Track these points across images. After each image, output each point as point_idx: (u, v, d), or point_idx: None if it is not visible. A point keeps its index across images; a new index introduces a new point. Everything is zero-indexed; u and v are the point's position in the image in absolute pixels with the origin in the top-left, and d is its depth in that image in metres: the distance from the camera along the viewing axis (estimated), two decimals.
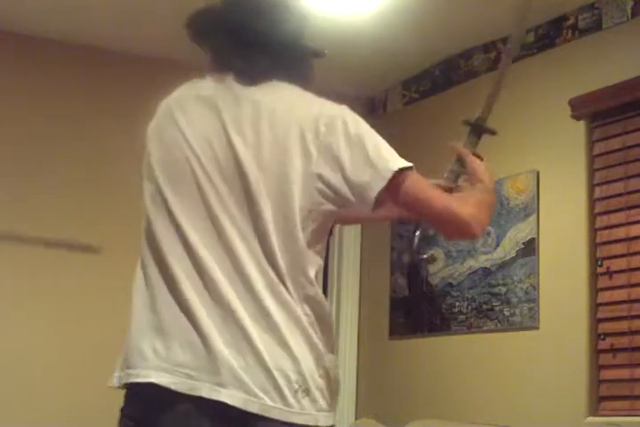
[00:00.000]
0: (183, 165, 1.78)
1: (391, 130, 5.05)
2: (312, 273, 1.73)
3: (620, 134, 3.73)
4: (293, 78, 1.91)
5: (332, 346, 1.78)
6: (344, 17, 4.15)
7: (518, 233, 4.04)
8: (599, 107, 3.78)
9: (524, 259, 4.00)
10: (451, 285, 4.38)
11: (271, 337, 1.66)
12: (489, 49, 4.39)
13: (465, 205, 1.84)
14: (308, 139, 1.75)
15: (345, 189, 1.74)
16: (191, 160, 1.77)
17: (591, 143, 3.83)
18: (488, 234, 4.20)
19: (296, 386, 1.68)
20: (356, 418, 4.74)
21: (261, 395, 1.64)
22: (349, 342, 4.92)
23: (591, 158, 3.82)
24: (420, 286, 4.56)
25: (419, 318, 4.55)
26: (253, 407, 1.63)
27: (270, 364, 1.65)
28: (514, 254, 4.05)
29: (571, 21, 3.98)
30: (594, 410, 3.62)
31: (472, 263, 4.27)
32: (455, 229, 1.83)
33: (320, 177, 1.73)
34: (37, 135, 4.38)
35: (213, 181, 1.75)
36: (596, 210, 3.77)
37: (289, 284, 1.69)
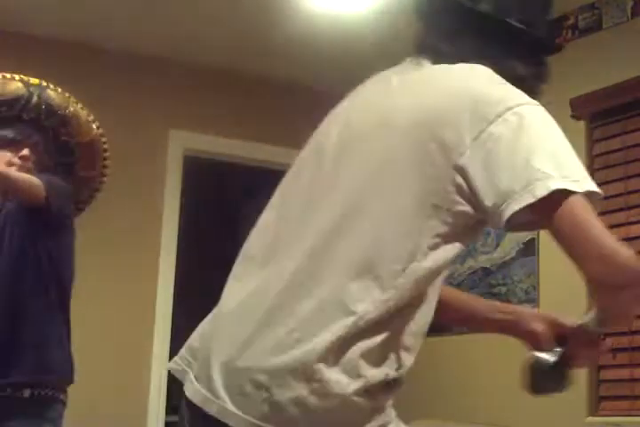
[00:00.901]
0: None
1: None
2: None
3: (619, 134, 3.73)
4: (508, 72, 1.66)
5: None
6: (344, 16, 4.15)
7: (518, 233, 4.04)
8: (599, 107, 3.78)
9: (523, 259, 4.00)
10: (451, 285, 4.37)
11: None
12: None
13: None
14: None
15: None
16: None
17: (591, 143, 3.83)
18: (488, 234, 4.20)
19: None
20: None
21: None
22: None
23: (591, 158, 3.82)
24: None
25: None
26: (212, 408, 1.44)
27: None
28: (514, 254, 4.05)
29: (571, 21, 3.98)
30: (594, 410, 3.62)
31: (472, 263, 4.27)
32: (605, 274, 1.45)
33: None
34: None
35: None
36: (596, 210, 3.76)
37: None
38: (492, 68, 1.60)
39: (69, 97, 3.07)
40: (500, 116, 1.50)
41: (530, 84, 1.74)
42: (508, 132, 1.48)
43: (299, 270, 1.45)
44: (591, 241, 1.44)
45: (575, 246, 1.44)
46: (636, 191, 3.64)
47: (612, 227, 3.68)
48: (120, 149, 4.54)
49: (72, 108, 3.04)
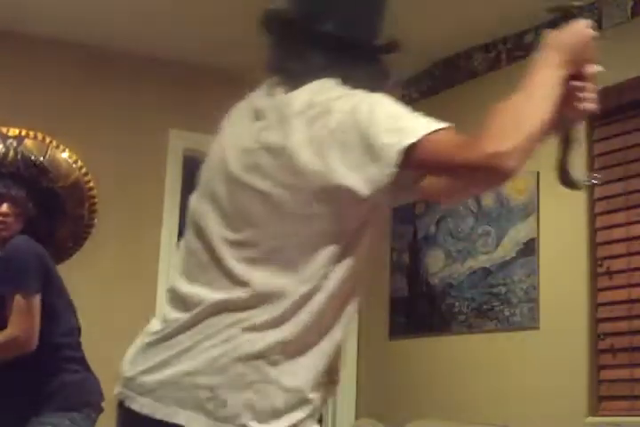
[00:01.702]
0: None
1: None
2: None
3: (620, 134, 3.73)
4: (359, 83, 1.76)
5: None
6: None
7: (518, 233, 4.04)
8: (599, 107, 3.77)
9: (523, 259, 4.00)
10: (451, 285, 4.38)
11: None
12: (489, 49, 4.39)
13: (487, 139, 1.56)
14: None
15: None
16: None
17: (591, 143, 3.83)
18: (488, 234, 4.20)
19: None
20: (356, 418, 4.74)
21: None
22: (349, 342, 4.92)
23: (591, 158, 3.82)
24: (420, 286, 4.56)
25: (419, 318, 4.55)
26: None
27: None
28: (514, 254, 4.05)
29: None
30: (594, 410, 3.62)
31: (472, 263, 4.27)
32: (482, 179, 1.61)
33: None
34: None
35: None
36: (596, 210, 3.77)
37: None
38: (342, 78, 1.71)
39: (50, 142, 3.13)
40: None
41: (377, 85, 1.83)
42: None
43: None
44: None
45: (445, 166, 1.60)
46: (636, 191, 3.64)
47: (611, 227, 3.69)
48: (120, 149, 4.56)
49: (50, 155, 3.10)
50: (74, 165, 3.18)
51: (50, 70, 4.48)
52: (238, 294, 1.55)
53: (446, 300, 4.38)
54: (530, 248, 3.98)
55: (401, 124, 1.67)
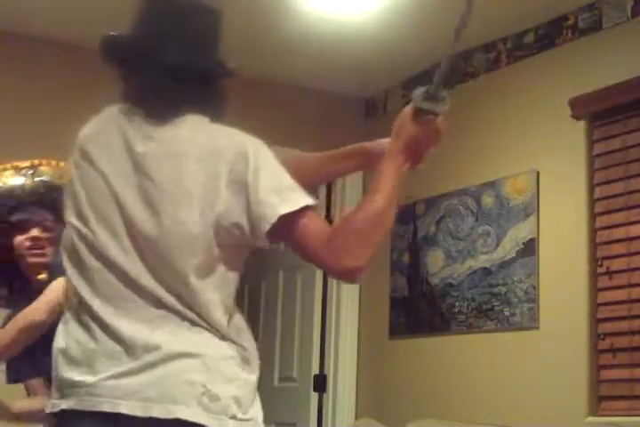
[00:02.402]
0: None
1: (391, 130, 5.07)
2: None
3: (620, 134, 3.73)
4: (209, 108, 1.89)
5: None
6: (344, 17, 4.15)
7: (518, 233, 4.04)
8: (599, 107, 3.78)
9: (523, 259, 4.00)
10: (451, 285, 4.38)
11: None
12: (489, 49, 4.39)
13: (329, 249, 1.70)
14: None
15: None
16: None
17: (591, 143, 3.83)
18: (488, 234, 4.20)
19: None
20: (356, 418, 4.74)
21: None
22: (349, 342, 4.92)
23: (591, 158, 3.82)
24: (420, 286, 4.57)
25: (419, 318, 4.55)
26: None
27: None
28: (514, 254, 4.05)
29: (571, 21, 3.98)
30: (594, 410, 3.62)
31: (472, 263, 4.27)
32: (331, 275, 1.81)
33: None
34: (37, 136, 4.38)
35: None
36: (596, 210, 3.77)
37: None
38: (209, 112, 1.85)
39: (63, 166, 3.13)
40: None
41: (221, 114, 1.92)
42: None
43: None
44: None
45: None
46: (636, 191, 3.64)
47: (611, 227, 3.69)
48: None
49: (67, 177, 3.13)
50: None
51: (49, 70, 4.48)
52: None
53: (446, 300, 4.38)
54: (530, 248, 3.98)
55: None
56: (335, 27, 4.22)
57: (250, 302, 5.41)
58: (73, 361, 1.69)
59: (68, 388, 1.68)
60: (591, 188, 3.80)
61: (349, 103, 5.10)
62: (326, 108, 5.01)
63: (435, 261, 4.50)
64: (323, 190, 5.15)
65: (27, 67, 4.45)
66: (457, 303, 4.31)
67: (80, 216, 1.77)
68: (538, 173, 4.02)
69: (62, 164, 3.12)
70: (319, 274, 5.09)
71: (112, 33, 1.96)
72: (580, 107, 3.84)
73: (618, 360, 3.59)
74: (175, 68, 1.82)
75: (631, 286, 3.58)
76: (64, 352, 1.71)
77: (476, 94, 4.45)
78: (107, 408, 1.61)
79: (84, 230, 1.75)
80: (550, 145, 4.01)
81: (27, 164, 3.06)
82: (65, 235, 1.81)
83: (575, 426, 3.61)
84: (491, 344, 4.13)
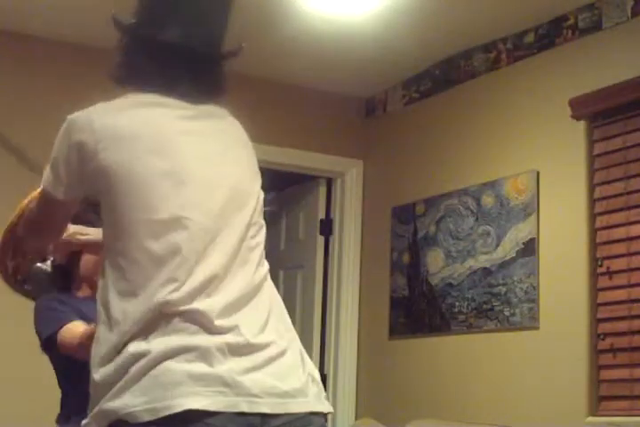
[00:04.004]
0: None
1: (391, 130, 5.08)
2: None
3: (620, 134, 3.73)
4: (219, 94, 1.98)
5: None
6: (344, 17, 4.15)
7: (518, 233, 4.04)
8: (599, 107, 3.78)
9: (523, 259, 4.00)
10: (451, 285, 4.38)
11: None
12: (489, 49, 4.39)
13: None
14: None
15: None
16: None
17: (591, 143, 3.83)
18: (488, 234, 4.20)
19: None
20: (356, 418, 4.74)
21: None
22: (349, 342, 4.92)
23: (591, 158, 3.82)
24: (420, 286, 4.57)
25: (419, 318, 4.55)
26: None
27: None
28: (514, 254, 4.05)
29: (571, 21, 3.98)
30: (594, 410, 3.62)
31: (472, 263, 4.27)
32: None
33: None
34: (37, 135, 4.38)
35: None
36: (596, 210, 3.77)
37: None
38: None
39: None
40: None
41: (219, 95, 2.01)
42: None
43: None
44: None
45: None
46: (636, 191, 3.64)
47: (611, 227, 3.69)
48: None
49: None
50: None
51: (49, 70, 4.48)
52: None
53: (446, 300, 4.39)
54: (530, 248, 3.98)
55: None
56: (335, 27, 4.22)
57: None
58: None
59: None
60: (591, 188, 3.80)
61: (349, 103, 5.10)
62: (326, 108, 5.01)
63: (435, 261, 4.50)
64: (323, 190, 5.15)
65: (27, 67, 4.45)
66: (457, 303, 4.31)
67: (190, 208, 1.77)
68: (538, 173, 4.02)
69: None
70: (319, 274, 5.09)
71: (117, 17, 1.99)
72: (580, 107, 3.84)
73: (618, 360, 3.59)
74: (188, 50, 1.86)
75: (631, 286, 3.58)
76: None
77: (476, 94, 4.45)
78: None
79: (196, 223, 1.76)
80: (550, 145, 4.01)
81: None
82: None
83: (575, 426, 3.61)
84: (491, 344, 4.13)
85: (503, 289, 4.08)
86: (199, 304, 1.67)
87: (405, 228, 4.72)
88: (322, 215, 5.14)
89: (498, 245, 4.14)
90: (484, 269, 4.19)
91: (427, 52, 4.53)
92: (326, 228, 5.11)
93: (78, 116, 1.88)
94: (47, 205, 1.92)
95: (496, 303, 4.10)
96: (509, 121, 4.25)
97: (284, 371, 1.70)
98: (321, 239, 5.11)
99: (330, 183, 5.16)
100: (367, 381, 4.82)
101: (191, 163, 1.80)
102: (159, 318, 1.66)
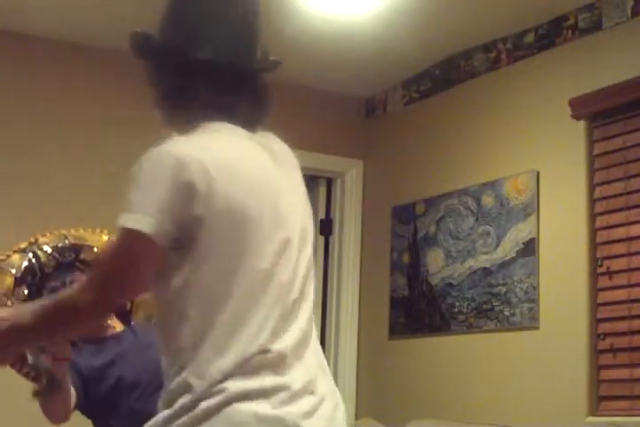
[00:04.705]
0: None
1: (391, 130, 5.08)
2: None
3: (620, 134, 3.73)
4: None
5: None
6: (344, 17, 4.15)
7: (518, 233, 4.04)
8: (599, 107, 3.78)
9: (523, 259, 4.00)
10: (451, 285, 4.38)
11: None
12: (489, 49, 4.39)
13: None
14: None
15: None
16: None
17: (591, 143, 3.84)
18: (488, 234, 4.20)
19: None
20: (356, 418, 4.74)
21: None
22: (349, 342, 4.92)
23: (591, 158, 3.82)
24: (420, 286, 4.57)
25: (419, 318, 4.55)
26: None
27: None
28: (514, 254, 4.05)
29: (571, 21, 3.98)
30: (594, 410, 3.62)
31: (472, 263, 4.27)
32: None
33: None
34: (37, 136, 4.38)
35: None
36: (596, 210, 3.77)
37: None
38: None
39: (62, 232, 3.07)
40: None
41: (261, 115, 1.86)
42: None
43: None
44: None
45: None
46: (636, 191, 3.64)
47: (611, 227, 3.69)
48: (120, 149, 4.55)
49: (71, 237, 3.08)
50: (103, 236, 3.14)
51: (49, 70, 4.48)
52: None
53: (446, 300, 4.39)
54: (530, 248, 3.98)
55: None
56: (335, 27, 4.22)
57: None
58: None
59: None
60: (591, 188, 3.80)
61: (349, 103, 5.10)
62: (326, 108, 5.01)
63: (435, 261, 4.50)
64: (323, 190, 5.16)
65: (27, 67, 4.45)
66: (457, 303, 4.31)
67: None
68: (538, 173, 4.02)
69: (62, 231, 3.06)
70: (319, 274, 5.09)
71: (142, 31, 1.80)
72: (580, 107, 3.84)
73: (618, 360, 3.59)
74: (240, 69, 1.77)
75: (631, 286, 3.58)
76: None
77: (476, 94, 4.45)
78: None
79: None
80: (550, 145, 4.01)
81: (25, 244, 3.02)
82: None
83: (575, 426, 3.61)
84: (491, 344, 4.13)
85: (503, 289, 4.08)
86: (278, 345, 1.64)
87: (405, 228, 4.72)
88: (322, 215, 5.14)
89: (498, 245, 4.14)
90: (484, 269, 4.19)
91: (427, 52, 4.53)
92: (326, 228, 5.11)
93: (181, 152, 1.68)
94: (142, 253, 1.63)
95: (496, 303, 4.10)
96: (509, 121, 4.25)
97: (330, 414, 1.69)
98: (321, 239, 5.11)
99: (330, 183, 5.16)
100: (367, 381, 4.82)
101: (283, 202, 1.74)
102: (244, 363, 1.61)
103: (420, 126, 4.78)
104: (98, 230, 3.12)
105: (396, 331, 4.68)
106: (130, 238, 1.62)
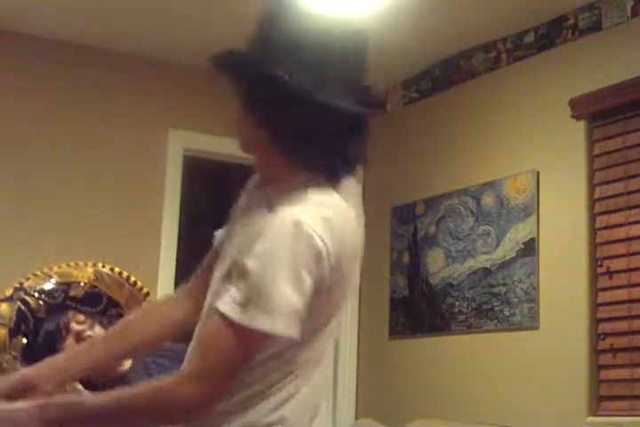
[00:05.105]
0: None
1: (391, 130, 5.07)
2: None
3: (620, 134, 3.73)
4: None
5: None
6: (344, 17, 4.15)
7: (518, 233, 4.04)
8: (599, 107, 3.78)
9: (523, 259, 4.00)
10: (451, 285, 4.38)
11: None
12: (489, 49, 4.39)
13: None
14: None
15: None
16: None
17: (591, 143, 3.84)
18: (488, 234, 4.20)
19: None
20: (356, 418, 4.74)
21: None
22: (349, 342, 4.92)
23: (591, 158, 3.82)
24: (420, 286, 4.56)
25: (419, 318, 4.55)
26: None
27: None
28: (514, 254, 4.05)
29: (571, 21, 3.98)
30: (594, 410, 3.62)
31: (472, 263, 4.27)
32: None
33: None
34: (37, 135, 4.38)
35: None
36: (596, 210, 3.77)
37: None
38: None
39: (46, 272, 3.05)
40: None
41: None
42: None
43: None
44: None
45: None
46: (636, 191, 3.64)
47: (611, 227, 3.69)
48: (120, 149, 4.56)
49: (56, 276, 3.05)
50: (89, 269, 3.13)
51: (49, 70, 4.48)
52: None
53: (446, 300, 4.38)
54: (530, 248, 3.98)
55: None
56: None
57: None
58: None
59: None
60: (591, 188, 3.80)
61: None
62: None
63: (435, 261, 4.50)
64: None
65: (27, 67, 4.45)
66: (457, 303, 4.31)
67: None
68: (538, 173, 4.02)
69: (45, 270, 3.03)
70: None
71: (271, 71, 1.58)
72: (580, 107, 3.84)
73: (618, 360, 3.59)
74: (360, 118, 1.65)
75: (631, 285, 3.58)
76: None
77: (476, 94, 4.45)
78: None
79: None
80: (550, 145, 4.01)
81: (10, 290, 3.00)
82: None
83: (575, 426, 3.61)
84: (491, 344, 4.13)
85: (503, 289, 4.08)
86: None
87: (405, 228, 4.72)
88: None
89: (498, 246, 4.14)
90: (484, 269, 4.19)
91: (427, 52, 4.53)
92: None
93: (318, 240, 1.50)
94: (264, 346, 1.52)
95: (496, 303, 4.10)
96: (509, 121, 4.25)
97: None
98: None
99: None
100: (367, 381, 4.82)
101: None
102: None
103: (419, 126, 4.78)
104: (82, 264, 3.08)
105: (395, 331, 4.68)
106: (260, 338, 1.48)
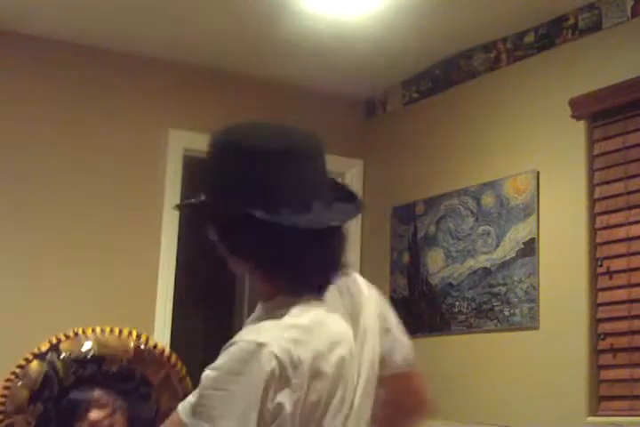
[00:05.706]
0: None
1: (391, 130, 5.07)
2: None
3: (620, 134, 3.73)
4: None
5: None
6: (344, 17, 4.15)
7: (518, 233, 4.04)
8: (599, 107, 3.78)
9: (523, 259, 4.00)
10: (451, 285, 4.38)
11: None
12: (489, 49, 4.39)
13: None
14: None
15: None
16: None
17: (591, 143, 3.84)
18: (488, 234, 4.20)
19: None
20: None
21: None
22: None
23: (591, 158, 3.82)
24: (420, 286, 4.57)
25: (419, 318, 4.55)
26: None
27: None
28: (514, 254, 4.05)
29: (571, 21, 3.98)
30: (594, 410, 3.62)
31: (472, 263, 4.27)
32: None
33: None
34: (37, 136, 4.38)
35: None
36: (596, 210, 3.77)
37: None
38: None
39: (84, 336, 2.92)
40: None
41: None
42: None
43: None
44: None
45: None
46: (636, 191, 3.64)
47: (611, 227, 3.69)
48: (120, 149, 4.56)
49: (94, 343, 2.91)
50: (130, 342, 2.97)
51: (49, 70, 4.48)
52: None
53: (446, 300, 4.38)
54: (530, 248, 3.98)
55: None
56: (335, 27, 4.22)
57: (251, 302, 5.41)
58: None
59: None
60: (591, 188, 3.80)
61: (349, 103, 5.10)
62: (326, 109, 5.01)
63: (435, 261, 4.50)
64: None
65: (27, 67, 4.45)
66: (457, 303, 4.31)
67: None
68: (538, 173, 4.02)
69: (78, 330, 2.93)
70: None
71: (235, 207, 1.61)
72: (580, 107, 3.84)
73: (618, 360, 3.59)
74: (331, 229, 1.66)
75: (631, 285, 3.58)
76: None
77: (476, 94, 4.45)
78: None
79: None
80: (550, 145, 4.01)
81: (46, 345, 2.87)
82: None
83: (575, 426, 3.61)
84: (491, 344, 4.13)
85: (503, 289, 4.08)
86: None
87: (405, 228, 4.72)
88: None
89: (498, 246, 4.14)
90: (484, 269, 4.19)
91: (427, 52, 4.53)
92: None
93: (279, 358, 1.52)
94: None
95: (496, 303, 4.10)
96: (509, 121, 4.25)
97: None
98: None
99: None
100: None
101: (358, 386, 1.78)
102: None
103: (419, 126, 4.78)
104: (125, 333, 2.94)
105: None
106: None
